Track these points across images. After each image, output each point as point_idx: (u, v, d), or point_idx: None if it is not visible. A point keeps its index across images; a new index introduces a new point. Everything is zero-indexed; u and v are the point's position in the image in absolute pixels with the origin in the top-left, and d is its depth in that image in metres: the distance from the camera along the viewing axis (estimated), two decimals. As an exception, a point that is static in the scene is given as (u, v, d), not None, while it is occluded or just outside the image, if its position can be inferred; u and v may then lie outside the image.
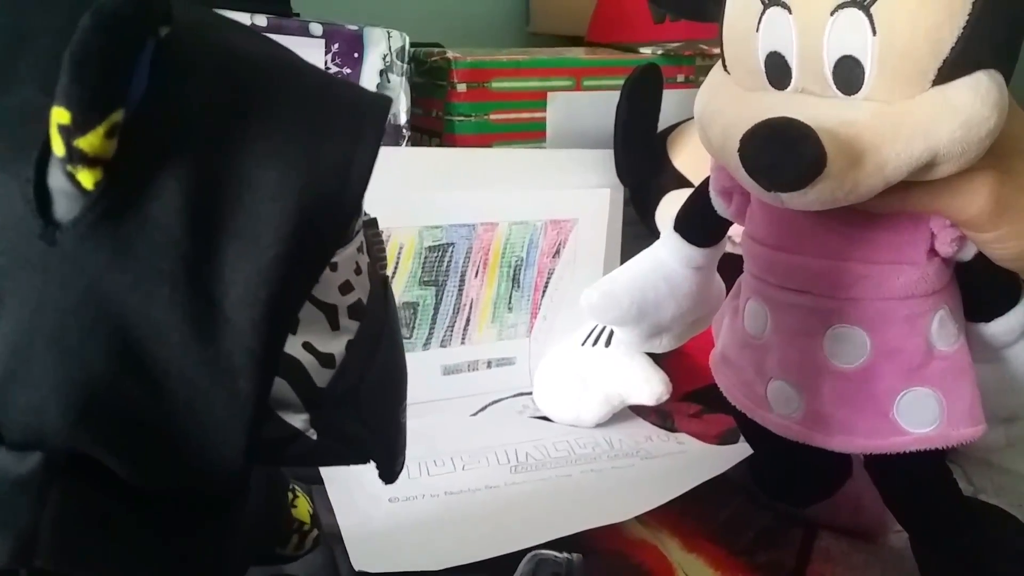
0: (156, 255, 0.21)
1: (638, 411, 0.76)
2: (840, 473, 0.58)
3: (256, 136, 0.23)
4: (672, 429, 0.74)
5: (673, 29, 0.93)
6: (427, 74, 0.82)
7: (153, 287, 0.21)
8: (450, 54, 0.79)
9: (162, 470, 0.24)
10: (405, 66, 0.75)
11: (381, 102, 0.26)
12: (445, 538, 0.53)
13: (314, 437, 0.27)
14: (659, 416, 0.76)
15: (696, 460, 0.63)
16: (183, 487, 0.25)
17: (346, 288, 0.26)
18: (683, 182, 0.78)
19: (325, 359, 0.26)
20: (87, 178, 0.21)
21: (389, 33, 0.74)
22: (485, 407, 0.77)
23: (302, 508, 0.41)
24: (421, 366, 0.76)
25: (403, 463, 0.31)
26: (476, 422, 0.74)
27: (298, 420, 0.26)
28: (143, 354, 0.22)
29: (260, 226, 0.22)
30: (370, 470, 0.61)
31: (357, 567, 0.47)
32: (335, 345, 0.26)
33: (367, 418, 0.28)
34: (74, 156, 0.20)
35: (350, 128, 0.25)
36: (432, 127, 0.83)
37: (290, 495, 0.41)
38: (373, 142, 0.25)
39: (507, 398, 0.79)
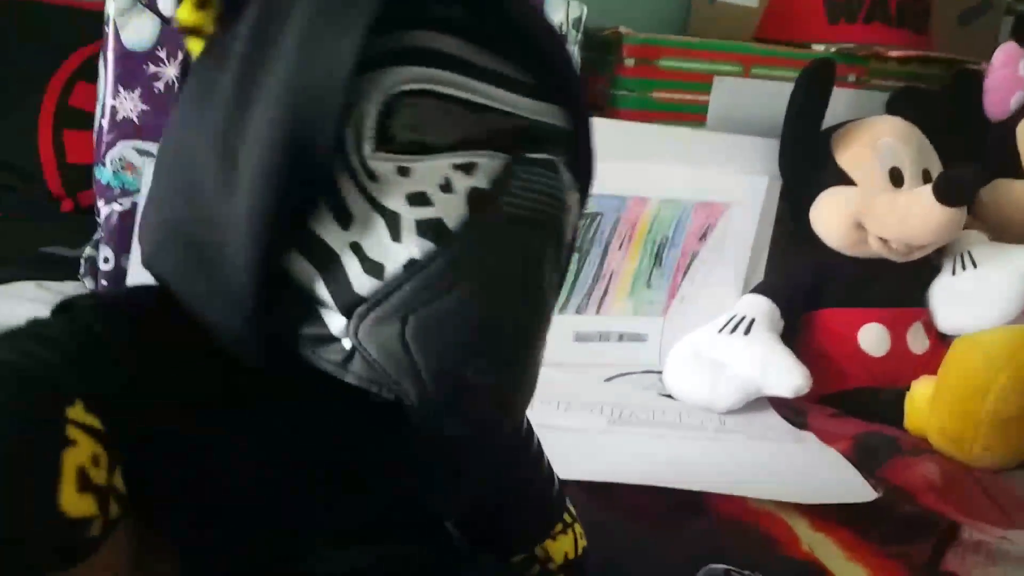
0: (213, 110, 0.26)
1: (773, 404, 0.78)
2: None
3: (293, 16, 0.25)
4: (803, 426, 0.75)
5: (847, 31, 0.94)
6: (595, 48, 0.87)
7: (204, 135, 0.26)
8: (622, 29, 0.84)
9: (200, 304, 0.26)
10: (579, 36, 0.80)
11: None
12: None
13: (347, 347, 0.26)
14: (792, 412, 0.77)
15: (808, 457, 0.64)
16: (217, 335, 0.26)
17: (419, 200, 0.25)
18: (844, 179, 0.79)
19: (371, 267, 0.25)
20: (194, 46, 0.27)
21: (569, 3, 0.79)
22: (613, 377, 0.81)
23: (560, 544, 0.41)
24: (554, 329, 0.79)
25: (457, 429, 0.27)
26: (600, 383, 0.78)
27: (336, 324, 0.26)
28: (198, 197, 0.26)
29: (271, 95, 0.25)
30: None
31: None
32: (391, 257, 0.25)
33: (415, 354, 0.25)
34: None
35: (342, 23, 0.24)
36: (595, 101, 0.87)
37: (560, 526, 0.41)
38: (356, 34, 0.24)
39: (636, 373, 0.82)
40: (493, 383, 0.26)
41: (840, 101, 0.88)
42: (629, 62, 0.83)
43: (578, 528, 0.43)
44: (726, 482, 0.58)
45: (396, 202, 0.25)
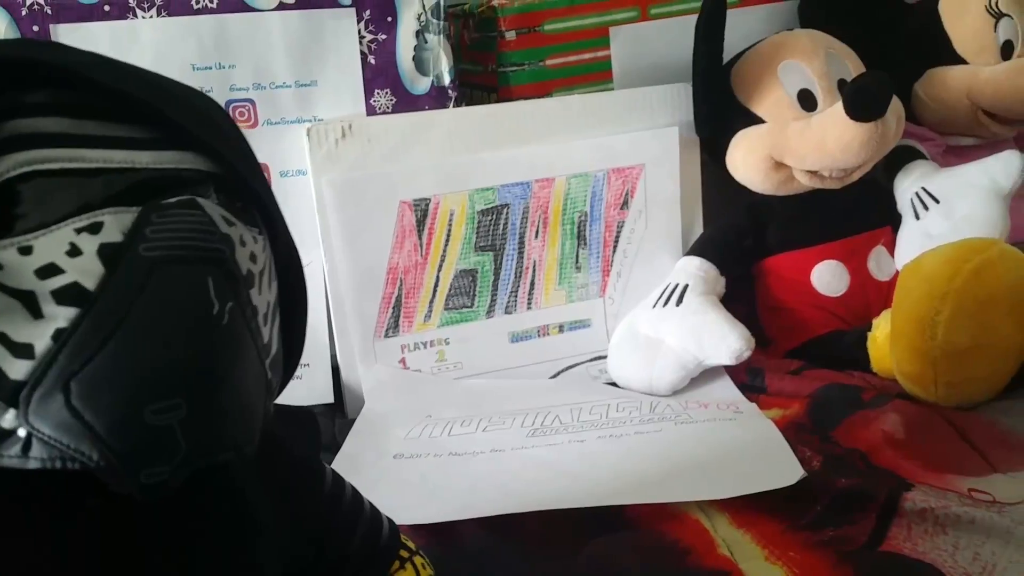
0: None
1: (730, 371, 0.72)
2: None
3: None
4: (760, 389, 0.69)
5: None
6: (480, 27, 0.81)
7: None
8: (496, 1, 0.78)
9: None
10: (442, 23, 0.74)
11: None
12: (413, 496, 0.55)
13: (23, 435, 0.26)
14: (750, 375, 0.71)
15: (737, 439, 0.59)
16: None
17: (49, 271, 0.26)
18: (751, 118, 0.72)
19: (21, 350, 0.25)
20: None
21: (423, -11, 0.74)
22: (558, 373, 0.77)
23: None
24: (486, 334, 0.76)
25: (160, 475, 0.28)
26: (543, 382, 0.74)
27: (7, 418, 0.26)
28: None
29: None
30: (397, 426, 0.65)
31: None
32: (37, 334, 0.25)
33: (86, 417, 0.26)
34: None
35: None
36: (489, 83, 0.82)
37: (396, 564, 0.41)
38: None
39: (583, 363, 0.77)
40: (184, 416, 0.27)
41: (757, 18, 0.81)
42: (510, 35, 0.78)
43: (418, 560, 0.42)
44: (637, 490, 0.54)
45: (27, 281, 0.25)
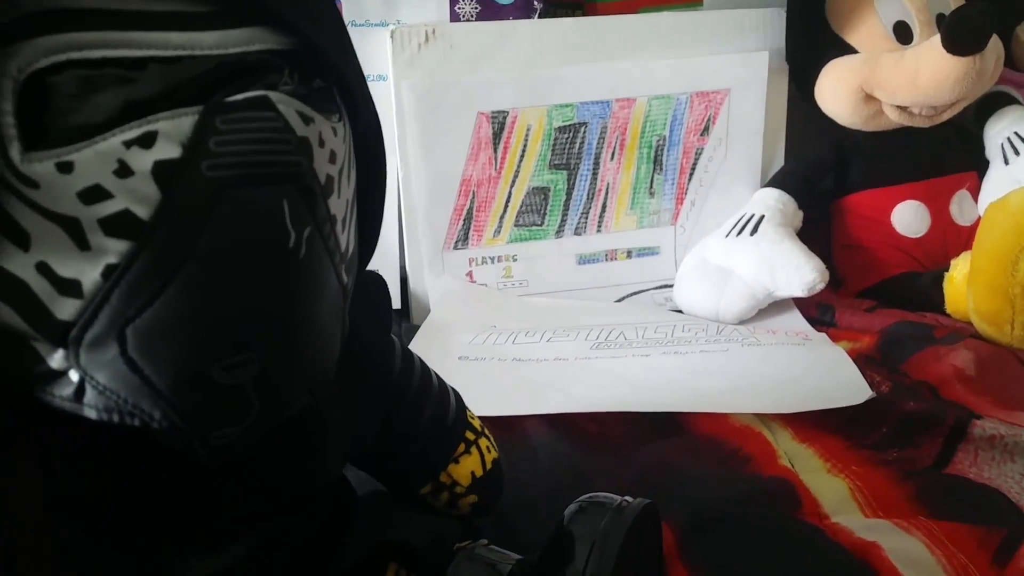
0: None
1: (800, 306, 0.73)
2: None
3: None
4: (830, 324, 0.70)
5: None
6: (569, -58, 0.82)
7: None
8: (588, -84, 0.78)
9: None
10: (533, -69, 0.75)
11: None
12: (477, 393, 0.57)
13: (75, 379, 0.23)
14: (819, 310, 0.72)
15: (804, 361, 0.60)
16: None
17: (94, 195, 0.21)
18: (844, 47, 0.72)
19: (66, 286, 0.22)
20: None
21: (516, -103, 0.75)
22: (623, 298, 0.78)
23: (464, 466, 0.41)
24: (553, 254, 0.78)
25: (230, 436, 0.25)
26: (608, 305, 0.76)
27: (54, 356, 0.23)
28: None
29: None
30: (462, 332, 0.68)
31: None
32: (85, 269, 0.22)
33: (146, 371, 0.23)
34: None
35: None
36: None
37: (462, 446, 0.41)
38: None
39: (649, 290, 0.79)
40: (256, 372, 0.24)
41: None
42: (600, -50, 0.78)
43: (483, 442, 0.43)
44: (700, 400, 0.56)
45: (69, 205, 0.21)
